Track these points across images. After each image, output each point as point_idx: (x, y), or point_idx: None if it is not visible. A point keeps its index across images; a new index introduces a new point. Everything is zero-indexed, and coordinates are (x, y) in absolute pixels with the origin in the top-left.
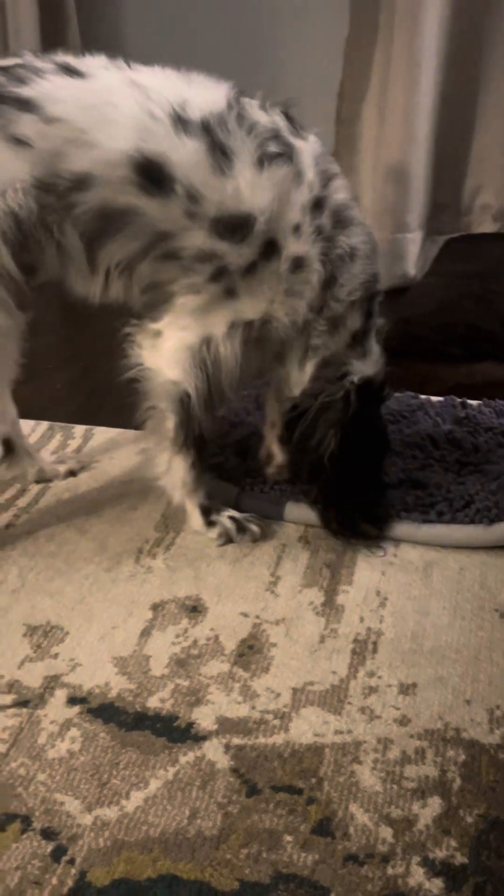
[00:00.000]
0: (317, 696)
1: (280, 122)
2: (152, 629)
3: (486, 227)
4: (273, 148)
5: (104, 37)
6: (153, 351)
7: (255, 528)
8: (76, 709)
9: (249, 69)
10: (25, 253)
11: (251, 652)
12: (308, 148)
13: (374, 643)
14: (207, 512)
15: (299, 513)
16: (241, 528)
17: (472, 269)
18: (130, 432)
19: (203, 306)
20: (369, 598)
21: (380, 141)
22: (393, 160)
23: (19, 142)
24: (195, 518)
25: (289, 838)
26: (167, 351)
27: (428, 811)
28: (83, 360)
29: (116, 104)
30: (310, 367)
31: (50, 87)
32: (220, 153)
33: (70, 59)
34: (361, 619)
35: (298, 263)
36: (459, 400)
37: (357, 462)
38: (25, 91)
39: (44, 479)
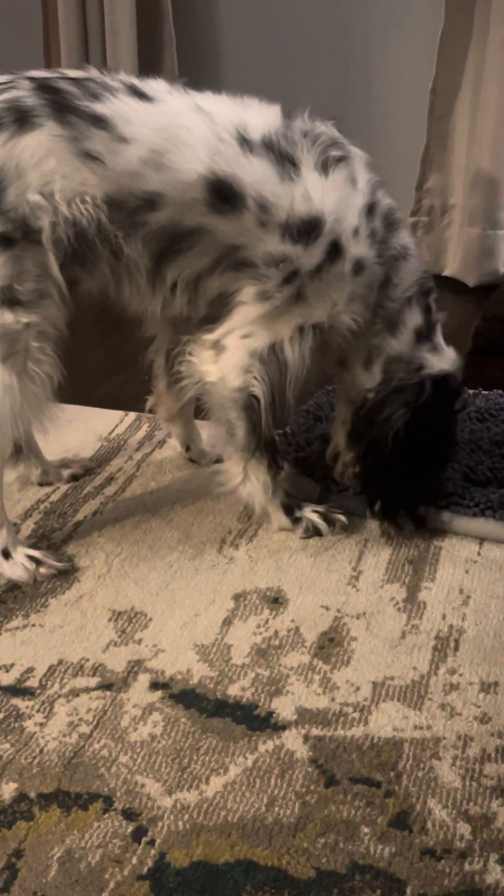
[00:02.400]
0: (397, 690)
1: (336, 132)
2: (234, 618)
3: None
4: (335, 152)
5: (201, 63)
6: (213, 363)
7: (341, 517)
8: (158, 693)
9: (343, 66)
10: (76, 263)
11: (331, 644)
12: (360, 155)
13: (456, 640)
14: (290, 510)
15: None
16: (327, 520)
17: None
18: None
19: (271, 313)
20: (452, 595)
21: (472, 137)
22: (485, 156)
23: (91, 156)
24: (279, 518)
25: (366, 830)
26: (230, 359)
27: None
28: None
29: (188, 128)
30: (377, 368)
31: (123, 107)
32: (287, 162)
33: (134, 81)
34: (444, 617)
35: (360, 266)
36: None
37: (419, 452)
38: (99, 108)
39: (47, 481)
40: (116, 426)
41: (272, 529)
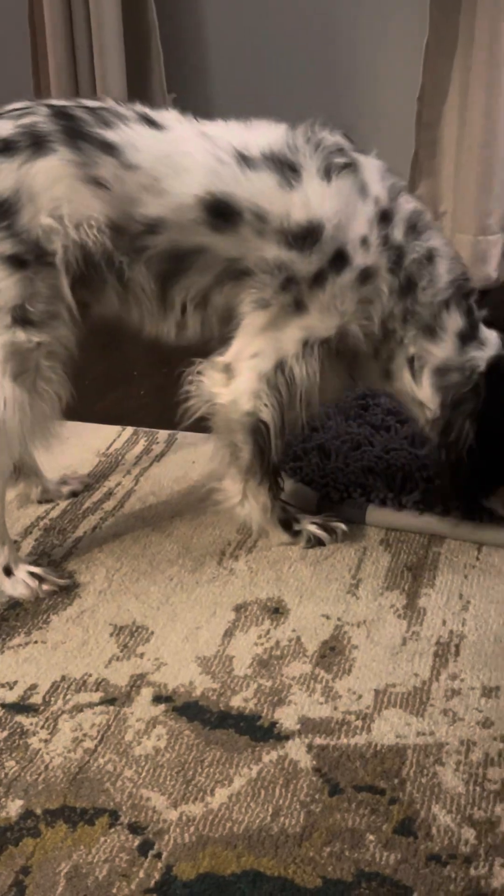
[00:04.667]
0: (399, 697)
1: (343, 140)
2: (235, 630)
3: None
4: (339, 159)
5: (190, 78)
6: (225, 385)
7: (341, 525)
8: (161, 707)
9: (330, 76)
10: (84, 288)
11: (333, 653)
12: (372, 163)
13: (457, 646)
14: (288, 525)
15: (381, 516)
16: (327, 529)
17: None
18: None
19: (272, 322)
20: (452, 601)
21: (460, 144)
22: (474, 163)
23: (98, 183)
24: (279, 535)
25: (371, 837)
26: (241, 383)
27: None
28: (167, 366)
29: (189, 153)
30: (426, 379)
31: (132, 134)
32: (288, 170)
33: (148, 110)
34: (444, 622)
35: (366, 275)
36: None
37: (498, 453)
38: (110, 135)
39: (47, 498)
40: (114, 441)
41: (272, 544)
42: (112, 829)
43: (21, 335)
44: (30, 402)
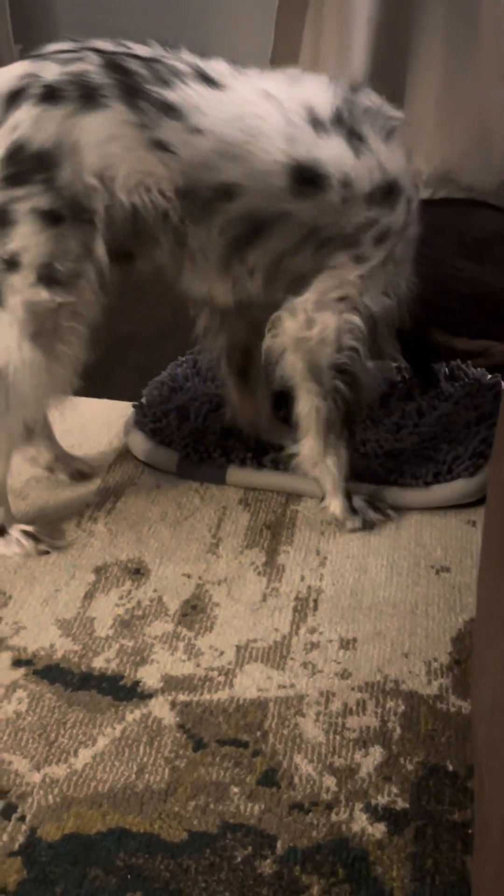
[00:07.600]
0: (260, 652)
1: (377, 100)
2: (95, 592)
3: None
4: (391, 123)
5: (38, 17)
6: (309, 328)
7: (388, 510)
8: (21, 671)
9: (181, 36)
10: (133, 241)
11: (194, 612)
12: (401, 119)
13: (315, 601)
14: (349, 496)
15: (241, 476)
16: (376, 508)
17: None
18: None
19: (365, 276)
20: (309, 557)
21: None
22: None
23: (161, 146)
24: (339, 505)
25: (235, 789)
26: (326, 324)
27: (370, 760)
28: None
29: (262, 116)
30: None
31: (194, 95)
32: (356, 139)
33: (199, 62)
34: (302, 578)
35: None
36: None
37: None
38: (170, 95)
39: (53, 468)
40: None
41: (331, 514)
42: None
43: (44, 294)
44: (46, 364)
